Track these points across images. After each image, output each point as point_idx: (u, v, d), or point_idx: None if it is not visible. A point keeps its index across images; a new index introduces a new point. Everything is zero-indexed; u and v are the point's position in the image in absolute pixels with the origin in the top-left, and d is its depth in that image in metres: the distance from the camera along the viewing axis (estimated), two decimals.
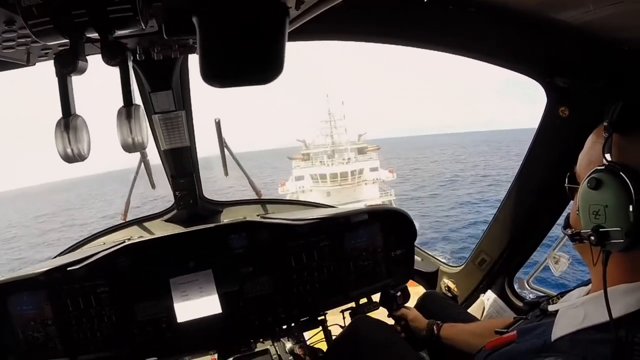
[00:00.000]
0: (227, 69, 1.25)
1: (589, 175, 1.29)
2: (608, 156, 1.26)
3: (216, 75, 1.25)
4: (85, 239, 3.51)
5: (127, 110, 1.28)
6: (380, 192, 38.72)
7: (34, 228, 61.80)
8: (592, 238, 1.29)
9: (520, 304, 3.20)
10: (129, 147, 1.31)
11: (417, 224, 3.30)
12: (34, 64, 1.76)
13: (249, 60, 1.23)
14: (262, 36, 1.22)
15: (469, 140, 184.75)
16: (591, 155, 1.39)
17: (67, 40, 1.19)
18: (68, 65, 1.22)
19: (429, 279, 3.76)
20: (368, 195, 36.89)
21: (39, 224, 64.75)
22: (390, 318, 3.04)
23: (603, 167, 1.26)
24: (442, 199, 49.45)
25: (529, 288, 3.29)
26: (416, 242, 3.38)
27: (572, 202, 1.52)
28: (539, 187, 2.72)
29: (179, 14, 1.28)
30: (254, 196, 3.87)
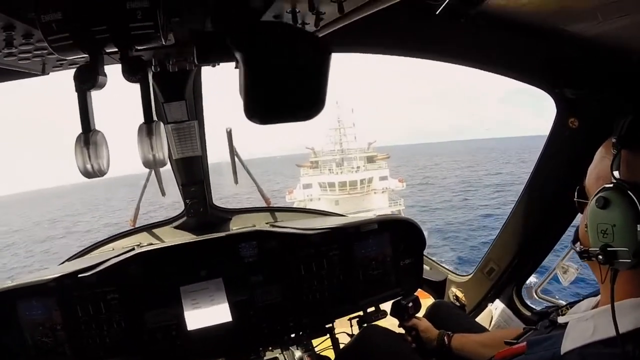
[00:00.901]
0: (272, 108, 1.24)
1: (597, 194, 1.29)
2: (616, 173, 1.26)
3: (260, 114, 1.23)
4: (94, 244, 3.52)
5: (148, 127, 1.28)
6: (390, 201, 38.25)
7: (35, 234, 61.08)
8: (600, 257, 1.29)
9: (528, 313, 3.19)
10: (149, 164, 1.30)
11: (431, 237, 3.29)
12: (48, 74, 1.78)
13: (293, 99, 1.23)
14: (307, 76, 1.20)
15: (477, 147, 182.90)
16: (600, 170, 1.39)
17: (86, 55, 1.20)
18: (88, 81, 1.22)
19: (438, 288, 3.76)
20: (377, 204, 36.41)
21: (41, 231, 63.99)
22: (401, 327, 3.04)
23: (611, 185, 1.26)
24: (457, 210, 47.66)
25: (537, 297, 3.27)
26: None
27: (579, 216, 1.53)
28: (548, 197, 2.72)
29: (211, 39, 1.29)
30: (261, 203, 3.89)
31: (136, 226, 3.58)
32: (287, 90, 1.20)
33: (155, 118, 1.29)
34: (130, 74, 1.23)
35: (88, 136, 1.22)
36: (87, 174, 1.23)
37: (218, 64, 1.94)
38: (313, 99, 1.24)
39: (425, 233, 3.35)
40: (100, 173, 1.24)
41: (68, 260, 3.35)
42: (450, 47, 2.26)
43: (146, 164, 1.30)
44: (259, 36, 1.18)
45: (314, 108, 1.24)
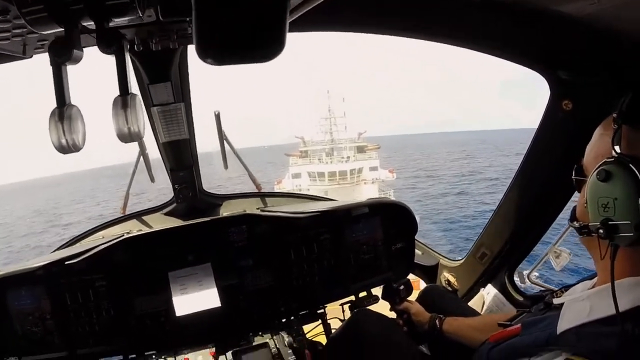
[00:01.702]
0: (226, 43, 1.15)
1: (598, 167, 1.28)
2: (617, 148, 1.25)
3: (213, 51, 1.15)
4: (83, 232, 3.50)
5: (123, 99, 1.26)
6: (380, 192, 37.76)
7: (17, 228, 58.98)
8: (601, 231, 1.28)
9: (520, 298, 3.19)
10: (124, 137, 1.29)
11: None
12: (31, 56, 1.74)
13: (249, 35, 1.13)
14: (262, 7, 1.12)
15: (470, 139, 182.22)
16: (599, 147, 1.38)
17: (63, 30, 1.16)
18: (63, 54, 1.19)
19: (429, 272, 3.76)
20: (367, 195, 35.15)
21: (24, 225, 61.45)
22: (393, 311, 3.03)
23: (612, 159, 1.25)
24: (458, 204, 45.41)
25: (529, 282, 3.27)
26: None
27: (576, 195, 1.52)
28: (541, 181, 2.71)
29: None
30: (252, 189, 3.86)
31: (126, 213, 3.55)
32: (241, 26, 1.12)
33: (131, 91, 1.26)
34: (105, 45, 1.20)
35: (63, 110, 1.20)
36: (62, 149, 1.21)
37: None
38: (270, 37, 1.16)
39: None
40: (75, 148, 1.22)
41: (58, 249, 3.33)
42: (443, 28, 2.21)
43: (121, 137, 1.29)
44: None
45: (271, 47, 1.16)
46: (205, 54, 1.13)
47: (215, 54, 1.15)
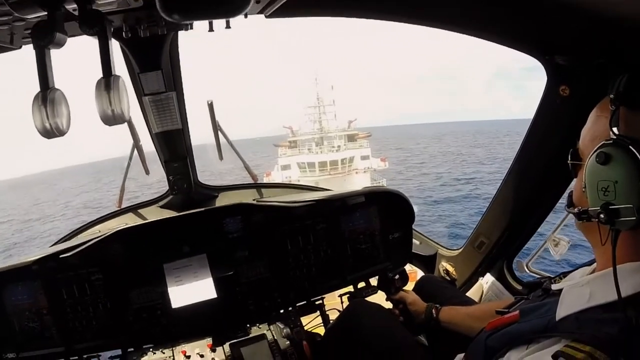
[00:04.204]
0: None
1: (596, 150, 1.24)
2: (615, 130, 1.21)
3: (177, 5, 1.11)
4: (79, 227, 3.49)
5: (106, 81, 1.23)
6: (372, 181, 37.35)
7: None
8: (602, 216, 1.24)
9: (519, 287, 3.18)
10: (108, 120, 1.26)
11: None
12: (20, 47, 1.73)
13: None
14: None
15: (464, 130, 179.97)
16: (595, 130, 1.34)
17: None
18: (45, 37, 1.17)
19: (428, 262, 3.74)
20: (359, 185, 34.55)
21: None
22: (389, 301, 3.02)
23: (611, 141, 1.21)
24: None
25: (528, 271, 3.26)
26: None
27: (574, 181, 1.48)
28: (538, 168, 2.68)
29: None
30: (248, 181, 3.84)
31: (122, 207, 3.53)
32: None
33: (115, 73, 1.24)
34: (88, 27, 1.18)
35: (46, 94, 1.18)
36: (46, 133, 1.20)
37: (191, 27, 1.88)
38: None
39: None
40: (59, 132, 1.20)
41: (54, 244, 3.32)
42: (437, 12, 2.18)
43: (105, 119, 1.26)
44: None
45: (237, 2, 1.13)
46: (169, 9, 1.10)
47: (180, 9, 1.12)
